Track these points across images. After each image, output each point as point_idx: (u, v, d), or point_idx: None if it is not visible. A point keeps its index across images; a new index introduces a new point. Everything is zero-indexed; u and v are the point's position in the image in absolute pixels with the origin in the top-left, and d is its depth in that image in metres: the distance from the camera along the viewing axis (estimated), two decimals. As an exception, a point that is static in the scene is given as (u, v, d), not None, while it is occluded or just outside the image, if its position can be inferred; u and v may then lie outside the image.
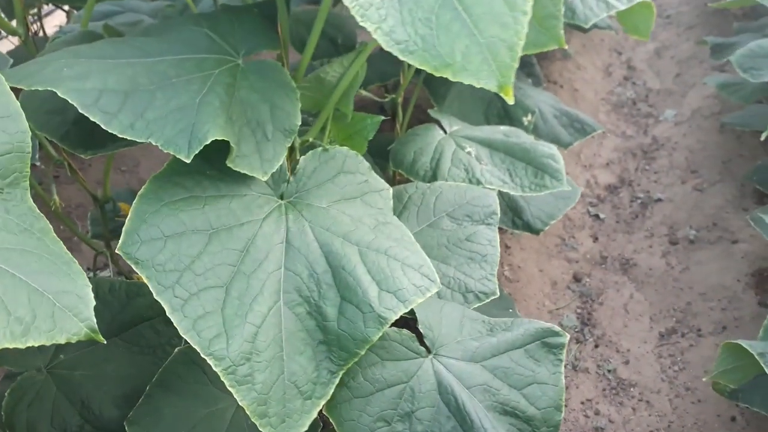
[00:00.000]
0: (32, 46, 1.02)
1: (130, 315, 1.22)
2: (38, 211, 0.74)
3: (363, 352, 0.85)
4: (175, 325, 0.79)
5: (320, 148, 0.95)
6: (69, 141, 0.93)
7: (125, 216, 1.43)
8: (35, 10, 2.16)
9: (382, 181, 1.00)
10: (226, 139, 0.80)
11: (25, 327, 0.64)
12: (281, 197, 0.93)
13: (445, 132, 1.44)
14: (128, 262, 0.81)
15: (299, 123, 0.90)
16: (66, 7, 2.22)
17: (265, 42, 0.94)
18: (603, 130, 2.04)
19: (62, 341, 0.67)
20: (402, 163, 1.36)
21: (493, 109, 1.69)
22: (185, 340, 1.27)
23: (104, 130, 0.80)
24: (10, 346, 0.63)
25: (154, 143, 0.78)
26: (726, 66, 2.95)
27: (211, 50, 0.89)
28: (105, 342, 0.75)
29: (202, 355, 0.80)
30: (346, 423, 0.92)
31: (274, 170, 0.88)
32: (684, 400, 1.78)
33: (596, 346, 1.96)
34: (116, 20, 1.38)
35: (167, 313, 0.80)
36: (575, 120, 1.84)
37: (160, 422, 1.06)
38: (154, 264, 0.80)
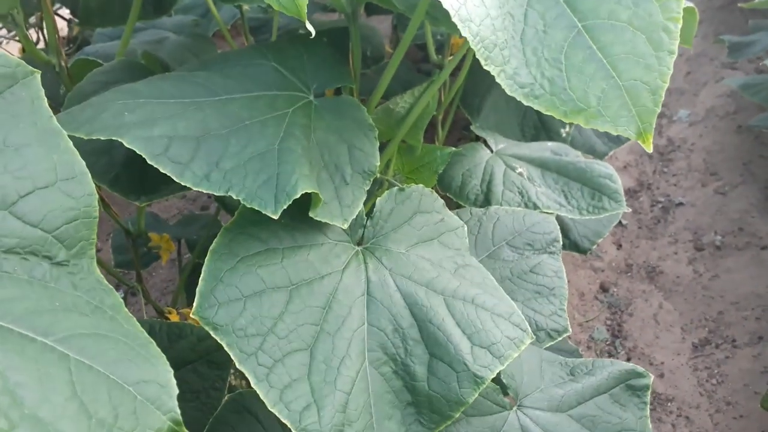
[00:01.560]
0: (67, 78, 0.92)
1: (172, 359, 1.12)
2: (107, 283, 0.65)
3: (457, 415, 0.77)
4: (261, 397, 0.71)
5: (396, 188, 0.87)
6: (120, 187, 0.84)
7: (155, 246, 1.34)
8: (34, 19, 2.04)
9: (457, 218, 0.92)
10: (314, 190, 0.71)
11: (107, 430, 0.56)
12: (358, 243, 0.85)
13: (492, 150, 1.36)
14: (205, 327, 0.73)
15: (378, 163, 0.82)
16: (67, 14, 2.10)
17: (338, 76, 0.85)
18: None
19: (145, 440, 0.59)
20: (450, 186, 1.28)
21: (529, 121, 1.62)
22: (235, 387, 1.20)
23: (157, 172, 0.72)
24: None
25: (234, 197, 0.70)
26: (737, 63, 2.90)
27: (281, 87, 0.81)
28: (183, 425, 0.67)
29: (294, 431, 0.71)
30: (432, 486, 0.85)
31: (354, 216, 0.80)
32: (725, 415, 1.73)
33: (629, 359, 1.90)
34: (139, 38, 1.28)
35: (252, 384, 0.72)
36: (608, 129, 1.77)
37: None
38: (234, 329, 0.72)
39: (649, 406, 0.99)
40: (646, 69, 0.60)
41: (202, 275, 0.74)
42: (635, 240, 2.27)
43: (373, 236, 0.86)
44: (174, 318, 1.27)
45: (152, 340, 0.68)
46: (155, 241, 1.28)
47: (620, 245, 2.25)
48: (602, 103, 0.60)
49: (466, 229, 0.93)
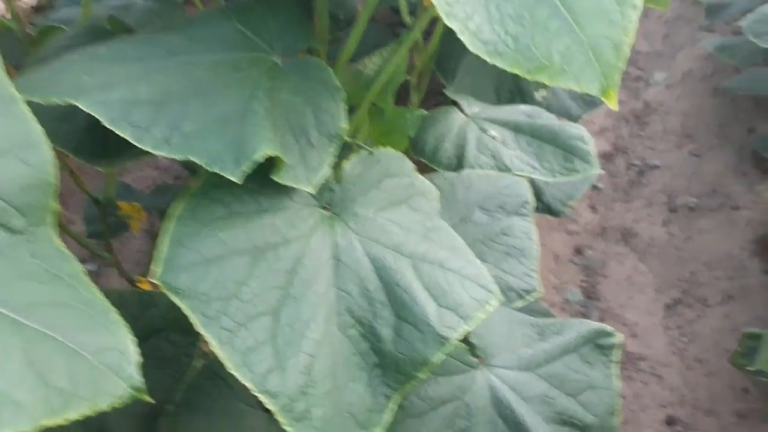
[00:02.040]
0: (31, 46, 0.90)
1: (144, 328, 1.13)
2: (67, 251, 0.64)
3: (423, 376, 0.78)
4: (222, 361, 0.71)
5: (365, 152, 0.86)
6: (83, 152, 0.82)
7: (126, 215, 1.33)
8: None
9: (428, 182, 0.92)
10: (276, 153, 0.70)
11: (65, 398, 0.55)
12: (325, 207, 0.84)
13: (465, 114, 1.35)
14: (167, 292, 0.72)
15: (345, 126, 0.81)
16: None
17: (304, 37, 0.83)
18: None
19: (105, 408, 0.59)
20: (423, 150, 1.28)
21: (504, 85, 1.61)
22: (210, 354, 1.20)
23: (119, 136, 0.70)
24: (51, 424, 0.54)
25: (196, 161, 0.68)
26: (714, 26, 2.89)
27: (245, 48, 0.79)
28: (153, 402, 0.67)
29: (255, 393, 0.71)
30: (401, 445, 0.86)
31: (320, 180, 0.79)
32: (695, 373, 1.76)
33: (602, 320, 1.93)
34: (106, 3, 1.25)
35: (214, 348, 0.71)
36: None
37: None
38: (197, 293, 0.71)
39: (617, 364, 1.00)
40: (610, 24, 0.59)
41: (164, 241, 0.73)
42: (610, 203, 2.28)
43: (341, 200, 0.85)
44: (145, 287, 1.26)
45: (112, 307, 0.67)
46: (125, 210, 1.26)
47: (595, 208, 2.26)
48: (566, 59, 0.59)
49: (436, 192, 0.92)
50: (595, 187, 2.32)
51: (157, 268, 0.72)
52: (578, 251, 2.11)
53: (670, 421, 1.66)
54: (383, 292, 0.80)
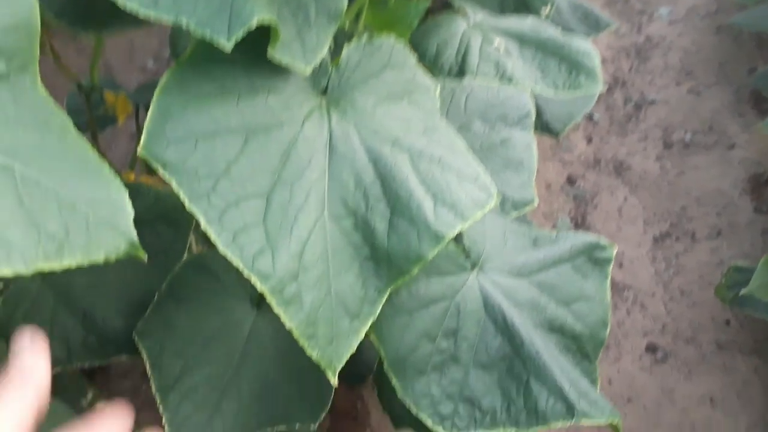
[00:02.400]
0: None
1: (138, 209, 1.09)
2: (55, 104, 0.59)
3: (415, 271, 0.75)
4: (212, 239, 0.67)
5: (365, 37, 0.81)
6: (66, 17, 0.76)
7: (111, 106, 1.27)
8: None
9: (429, 79, 0.87)
10: (272, 22, 0.65)
11: (59, 244, 0.52)
12: (323, 93, 0.79)
13: (470, 22, 1.29)
14: (153, 165, 0.68)
15: (345, 7, 0.75)
16: None
17: None
18: (617, 26, 1.91)
19: (100, 259, 0.56)
20: (424, 56, 1.22)
21: (509, -1, 1.54)
22: (195, 244, 1.16)
23: (105, 3, 0.65)
24: (46, 268, 0.51)
25: (183, 25, 0.63)
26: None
27: None
28: (145, 260, 0.64)
29: (245, 273, 0.68)
30: (388, 340, 0.84)
31: (317, 62, 0.74)
32: (679, 304, 1.77)
33: (591, 249, 1.92)
34: None
35: (202, 226, 0.68)
36: (589, 14, 1.70)
37: (172, 335, 0.97)
38: (185, 168, 0.67)
39: (609, 278, 0.98)
40: None
41: (150, 112, 0.69)
42: (605, 135, 2.24)
43: (339, 87, 0.81)
44: (131, 179, 1.22)
45: (105, 162, 0.64)
46: (111, 101, 1.21)
47: (590, 140, 2.22)
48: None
49: (438, 89, 0.88)
50: (591, 119, 2.28)
51: (143, 140, 0.68)
52: (570, 181, 2.08)
53: (651, 349, 1.67)
54: (379, 185, 0.76)
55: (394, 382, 0.84)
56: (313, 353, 0.71)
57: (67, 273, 1.04)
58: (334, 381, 0.72)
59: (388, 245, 0.75)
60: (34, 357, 0.43)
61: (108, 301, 1.04)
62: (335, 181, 0.76)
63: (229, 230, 0.68)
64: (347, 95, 0.80)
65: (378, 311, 0.76)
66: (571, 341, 0.92)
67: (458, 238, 0.91)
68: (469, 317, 0.87)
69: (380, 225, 0.76)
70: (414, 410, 0.84)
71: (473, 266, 0.90)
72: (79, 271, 1.06)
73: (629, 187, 2.07)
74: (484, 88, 1.14)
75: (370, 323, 0.75)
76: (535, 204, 1.05)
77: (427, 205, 0.76)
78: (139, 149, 0.68)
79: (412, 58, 0.87)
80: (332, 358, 0.72)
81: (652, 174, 2.09)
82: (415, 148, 0.79)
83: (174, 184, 0.68)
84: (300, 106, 0.76)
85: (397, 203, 0.76)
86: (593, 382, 0.93)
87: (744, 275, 1.56)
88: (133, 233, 0.60)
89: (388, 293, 0.76)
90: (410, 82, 0.85)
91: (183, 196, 0.68)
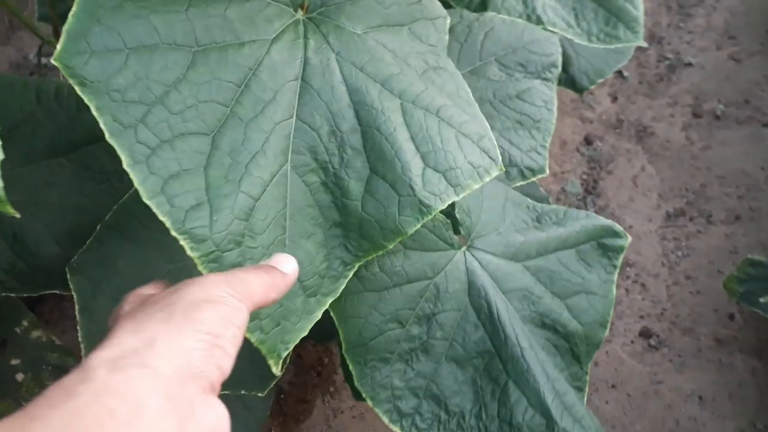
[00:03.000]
0: None
1: (81, 131, 0.94)
2: None
3: (390, 246, 0.61)
4: (135, 184, 0.53)
5: (364, -55, 0.64)
6: None
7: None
8: None
9: (439, 4, 0.70)
10: None
11: None
12: (300, 9, 0.63)
13: (500, -52, 1.10)
14: (70, 80, 0.52)
15: None
16: None
17: None
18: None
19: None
20: (442, -20, 1.04)
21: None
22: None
23: None
24: None
25: None
26: None
27: None
28: (18, 215, 0.51)
29: (173, 233, 0.55)
30: (350, 320, 0.71)
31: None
32: (682, 289, 1.63)
33: (597, 218, 1.77)
34: None
35: (124, 165, 0.53)
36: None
37: (111, 276, 0.83)
38: (109, 89, 0.52)
39: (617, 270, 0.84)
40: None
41: (72, 11, 0.53)
42: (633, 95, 2.05)
43: (322, 4, 0.64)
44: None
45: None
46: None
47: (616, 98, 2.04)
48: None
49: (448, 21, 0.71)
50: (620, 75, 2.09)
51: (59, 46, 0.52)
52: (587, 141, 1.91)
53: (645, 334, 1.54)
54: (359, 135, 0.61)
55: (352, 367, 0.71)
56: (253, 336, 0.58)
57: (-2, 185, 0.91)
58: (276, 370, 0.59)
59: (362, 211, 0.61)
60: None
61: (45, 225, 0.90)
62: (304, 125, 0.60)
63: (160, 175, 0.54)
64: (332, 16, 0.64)
65: (340, 289, 0.62)
66: (562, 340, 0.79)
67: (448, 206, 0.76)
68: (448, 302, 0.73)
69: (355, 186, 0.61)
70: (370, 402, 0.72)
71: (461, 242, 0.75)
72: (14, 186, 0.92)
73: (649, 155, 1.91)
74: (507, 25, 0.97)
75: (329, 303, 0.62)
76: (546, 173, 0.90)
77: (415, 166, 0.61)
78: (54, 57, 0.52)
79: (420, -22, 0.69)
80: (276, 344, 0.59)
81: (676, 144, 1.92)
82: (409, 92, 0.63)
83: (93, 109, 0.53)
84: (269, 22, 0.60)
85: (379, 160, 0.61)
86: (581, 389, 0.81)
87: (760, 270, 1.42)
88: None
89: (355, 269, 0.62)
90: (415, 6, 0.69)
91: (103, 126, 0.53)
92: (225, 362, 0.41)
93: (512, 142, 0.89)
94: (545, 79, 0.95)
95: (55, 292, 0.89)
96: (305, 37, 0.62)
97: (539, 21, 1.00)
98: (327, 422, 1.29)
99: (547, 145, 0.91)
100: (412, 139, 0.62)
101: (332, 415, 1.30)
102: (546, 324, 0.78)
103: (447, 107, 0.64)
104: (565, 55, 1.24)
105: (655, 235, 1.74)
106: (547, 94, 0.94)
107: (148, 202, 0.53)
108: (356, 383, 0.71)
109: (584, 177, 1.85)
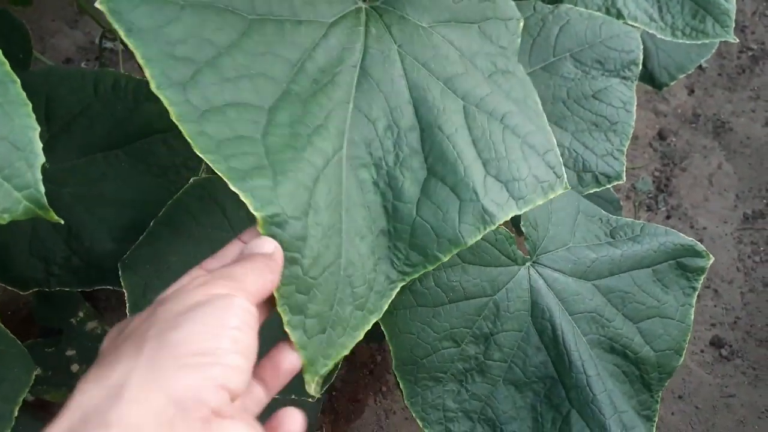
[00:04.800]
0: None
1: (138, 123, 0.90)
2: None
3: (445, 258, 0.54)
4: (185, 136, 0.47)
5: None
6: None
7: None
8: None
9: (513, 4, 0.63)
10: None
11: None
12: (363, -2, 0.57)
13: (579, -67, 1.01)
14: (115, 25, 0.47)
15: None
16: None
17: None
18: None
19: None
20: (515, -32, 0.95)
21: None
22: (205, 166, 0.97)
23: None
24: None
25: None
26: None
27: None
28: (62, 222, 0.47)
29: (233, 188, 0.47)
30: (402, 336, 0.65)
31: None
32: (759, 297, 1.51)
33: (668, 217, 1.66)
34: None
35: (173, 117, 0.47)
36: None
37: (162, 273, 0.80)
38: (158, 38, 0.47)
39: (697, 293, 0.75)
40: None
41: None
42: (711, 88, 1.91)
43: (387, -6, 0.58)
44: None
45: (15, 78, 0.45)
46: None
47: (693, 90, 1.90)
48: None
49: (521, 23, 0.63)
50: (698, 66, 1.94)
51: None
52: (661, 136, 1.79)
53: (717, 343, 1.43)
54: (417, 133, 0.55)
55: (402, 385, 0.66)
56: (294, 334, 0.50)
57: (56, 179, 0.89)
58: (311, 389, 0.53)
59: (417, 215, 0.53)
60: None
61: (100, 220, 0.87)
62: (360, 113, 0.54)
63: (211, 136, 0.47)
64: (396, 6, 0.58)
65: (384, 309, 0.56)
66: (632, 367, 0.71)
67: (513, 218, 0.69)
68: (509, 322, 0.67)
69: (410, 187, 0.54)
70: (420, 423, 0.66)
71: (526, 257, 0.68)
72: (72, 179, 0.90)
73: (726, 153, 1.77)
74: (583, 19, 0.88)
75: (372, 322, 0.55)
76: (623, 180, 0.81)
77: (475, 172, 0.54)
78: (100, 0, 0.47)
79: (495, -28, 0.62)
80: (317, 356, 0.52)
81: (757, 141, 1.78)
82: (473, 94, 0.56)
83: (139, 57, 0.47)
84: (329, 5, 0.54)
85: (439, 161, 0.54)
86: (650, 419, 0.73)
87: None
88: (41, 190, 0.44)
89: (398, 289, 0.55)
90: (487, 4, 0.61)
91: (149, 77, 0.47)
92: (231, 377, 0.34)
93: (587, 146, 0.81)
94: (624, 78, 0.86)
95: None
96: (366, 25, 0.56)
97: (619, 14, 0.91)
98: (378, 423, 1.25)
99: (625, 149, 0.82)
100: (474, 144, 0.55)
101: (384, 416, 1.26)
102: (615, 349, 0.70)
103: (513, 114, 0.57)
104: (644, 48, 1.14)
105: (730, 237, 1.61)
106: (625, 95, 0.85)
107: (203, 156, 0.47)
108: (406, 401, 0.66)
109: (656, 174, 1.73)
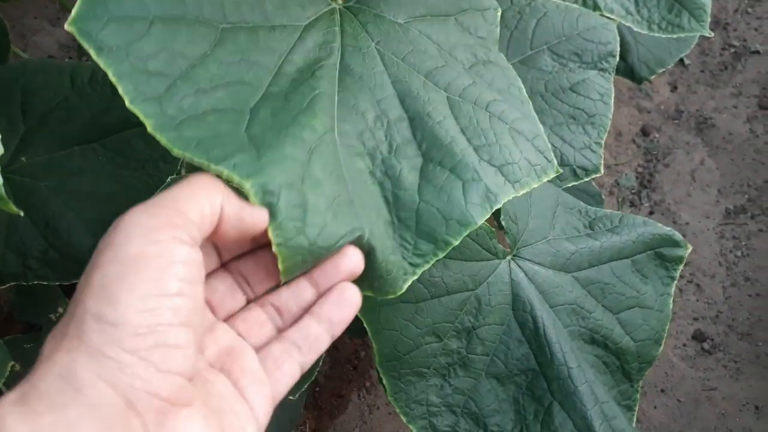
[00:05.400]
0: None
1: (116, 116, 0.90)
2: None
3: (456, 242, 0.51)
4: (162, 143, 0.46)
5: (408, -75, 0.57)
6: None
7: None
8: None
9: (491, -6, 0.63)
10: None
11: None
12: (335, -2, 0.57)
13: (558, -72, 1.01)
14: (85, 45, 0.46)
15: None
16: None
17: None
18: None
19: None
20: (494, -36, 0.96)
21: None
22: (184, 161, 0.96)
23: None
24: None
25: None
26: None
27: None
28: (21, 213, 0.47)
29: (214, 170, 0.45)
30: (384, 333, 0.65)
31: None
32: (740, 291, 1.53)
33: (651, 213, 1.67)
34: None
35: (150, 130, 0.46)
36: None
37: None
38: (129, 55, 0.46)
39: (675, 283, 0.76)
40: None
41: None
42: (694, 84, 1.93)
43: (361, -8, 0.58)
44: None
45: None
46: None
47: (675, 87, 1.91)
48: None
49: (499, 12, 0.64)
50: (681, 63, 1.96)
51: (75, 10, 0.46)
52: (644, 132, 1.80)
53: (699, 337, 1.45)
54: (407, 124, 0.54)
55: (385, 381, 0.66)
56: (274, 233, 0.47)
57: (33, 173, 0.88)
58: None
59: (420, 200, 0.52)
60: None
61: (78, 213, 0.87)
62: (347, 107, 0.53)
63: (190, 139, 0.46)
64: (371, 5, 0.57)
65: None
66: (612, 357, 0.72)
67: (494, 212, 0.69)
68: (491, 315, 0.67)
69: (408, 174, 0.52)
70: (404, 418, 0.66)
71: (506, 251, 0.69)
72: (48, 172, 0.89)
73: (709, 149, 1.79)
74: (560, 11, 0.89)
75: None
76: (600, 173, 0.82)
77: (470, 156, 0.54)
78: (68, 23, 0.46)
79: (471, -34, 0.62)
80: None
81: (739, 137, 1.79)
82: (455, 85, 0.56)
83: (111, 75, 0.46)
84: (302, 8, 0.54)
85: (433, 147, 0.53)
86: (630, 408, 0.73)
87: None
88: None
89: (418, 275, 0.54)
90: None
91: (123, 94, 0.46)
92: (176, 359, 0.31)
93: (564, 139, 0.82)
94: (602, 70, 0.86)
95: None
96: (341, 25, 0.55)
97: (596, 7, 0.91)
98: (362, 418, 1.25)
99: (603, 142, 0.83)
100: (463, 131, 0.55)
101: (368, 411, 1.26)
102: (596, 340, 0.71)
103: (497, 102, 0.57)
104: (623, 42, 1.15)
105: (712, 233, 1.63)
106: (603, 87, 0.85)
107: (182, 154, 0.45)
108: (390, 397, 0.66)
109: (639, 170, 1.74)
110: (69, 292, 1.25)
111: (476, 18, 0.62)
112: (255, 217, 0.40)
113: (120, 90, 0.46)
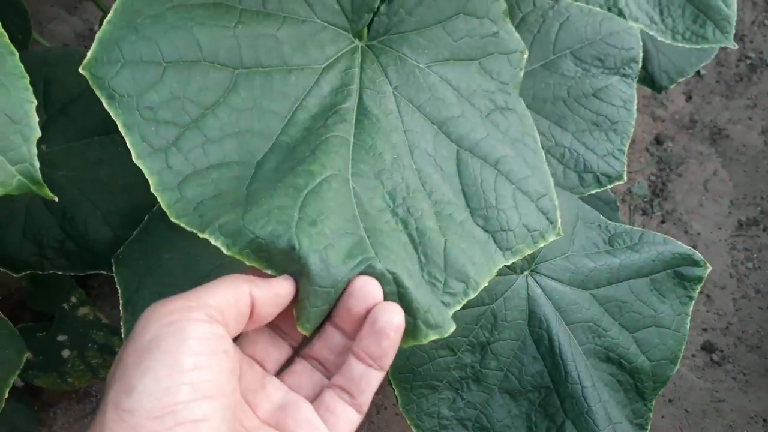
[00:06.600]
0: None
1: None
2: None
3: (484, 284, 0.52)
4: (163, 207, 0.46)
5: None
6: None
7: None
8: None
9: (517, 36, 0.59)
10: None
11: None
12: (359, 36, 0.54)
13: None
14: (97, 92, 0.45)
15: None
16: None
17: None
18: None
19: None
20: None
21: None
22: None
23: None
24: None
25: None
26: None
27: None
28: (56, 199, 0.49)
29: (201, 237, 0.44)
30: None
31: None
32: (751, 303, 1.49)
33: (663, 222, 1.64)
34: None
35: (152, 188, 0.46)
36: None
37: (155, 269, 0.78)
38: (140, 105, 0.45)
39: (692, 302, 0.74)
40: None
41: (108, 17, 0.46)
42: (709, 95, 1.89)
43: (385, 32, 0.55)
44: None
45: (14, 50, 0.45)
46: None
47: (690, 97, 1.88)
48: None
49: (525, 53, 0.60)
50: (696, 73, 1.92)
51: (89, 54, 0.45)
52: (658, 141, 1.77)
53: (708, 348, 1.42)
54: (416, 175, 0.52)
55: (397, 392, 0.64)
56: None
57: (51, 162, 0.86)
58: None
59: (445, 238, 0.50)
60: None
61: (95, 204, 0.85)
62: (364, 149, 0.50)
63: (189, 199, 0.45)
64: (395, 45, 0.55)
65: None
66: (627, 376, 0.69)
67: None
68: (506, 330, 0.65)
69: (429, 220, 0.50)
70: (414, 430, 0.64)
71: (524, 266, 0.66)
72: (67, 162, 0.87)
73: (722, 159, 1.75)
74: (584, 15, 0.86)
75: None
76: (624, 180, 0.80)
77: (466, 219, 0.51)
78: (82, 66, 0.45)
79: (501, 5, 0.59)
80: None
81: (753, 149, 1.76)
82: (468, 139, 0.53)
83: (120, 125, 0.45)
84: (322, 48, 0.51)
85: (440, 203, 0.51)
86: (643, 426, 0.71)
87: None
88: (36, 165, 0.44)
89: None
90: (490, 39, 0.58)
91: (130, 146, 0.46)
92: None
93: (587, 146, 0.79)
94: (624, 76, 0.84)
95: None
96: (362, 66, 0.53)
97: (620, 14, 0.89)
98: (369, 417, 1.23)
99: (626, 149, 0.80)
100: (464, 191, 0.52)
101: (375, 411, 1.24)
102: (611, 358, 0.68)
103: (508, 159, 0.54)
104: (644, 51, 1.11)
105: (724, 244, 1.59)
106: (626, 93, 0.83)
107: (177, 221, 0.45)
108: (401, 408, 0.64)
109: (652, 178, 1.71)
110: (82, 283, 1.23)
111: (501, 62, 0.59)
112: (286, 288, 0.39)
113: (128, 142, 0.45)
